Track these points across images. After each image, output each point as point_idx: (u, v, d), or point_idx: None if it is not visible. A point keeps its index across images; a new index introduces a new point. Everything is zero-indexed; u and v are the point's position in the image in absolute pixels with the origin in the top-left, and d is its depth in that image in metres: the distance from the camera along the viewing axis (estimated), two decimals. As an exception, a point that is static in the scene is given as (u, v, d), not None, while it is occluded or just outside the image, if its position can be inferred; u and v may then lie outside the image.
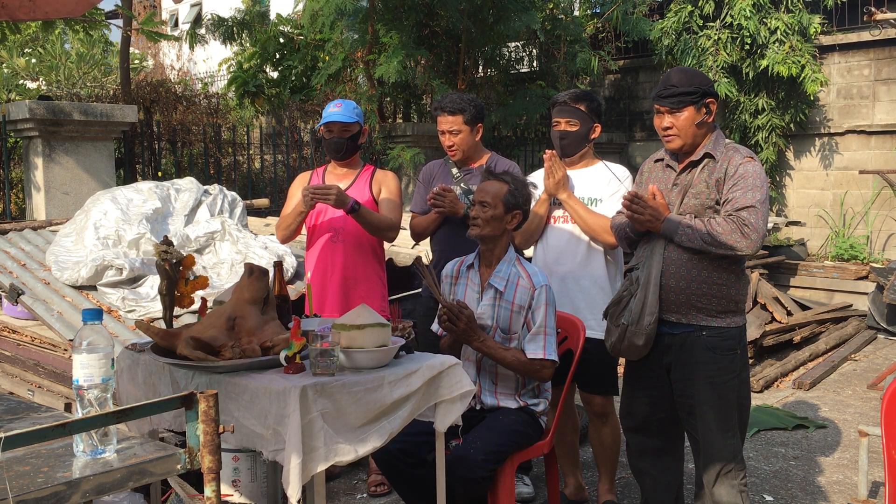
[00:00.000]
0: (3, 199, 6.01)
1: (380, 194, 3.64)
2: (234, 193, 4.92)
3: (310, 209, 3.49)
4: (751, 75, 8.57)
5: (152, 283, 3.91)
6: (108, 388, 1.66)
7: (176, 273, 2.59)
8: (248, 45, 9.34)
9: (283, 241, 3.71)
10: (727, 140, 2.89)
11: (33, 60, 11.76)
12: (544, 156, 3.42)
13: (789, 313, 6.86)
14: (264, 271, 2.46)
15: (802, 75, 8.25)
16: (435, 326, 3.14)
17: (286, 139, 8.31)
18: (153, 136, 7.32)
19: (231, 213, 4.74)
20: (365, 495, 3.77)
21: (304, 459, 2.08)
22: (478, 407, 3.02)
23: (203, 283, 2.68)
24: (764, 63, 8.34)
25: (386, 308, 3.68)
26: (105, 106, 5.76)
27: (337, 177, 3.68)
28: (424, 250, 4.63)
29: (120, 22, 8.03)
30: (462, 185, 3.65)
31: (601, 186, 3.42)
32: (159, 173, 7.26)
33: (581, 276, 3.41)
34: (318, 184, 3.59)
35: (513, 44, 8.99)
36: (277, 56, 9.26)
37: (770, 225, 8.44)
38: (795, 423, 4.80)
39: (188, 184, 4.77)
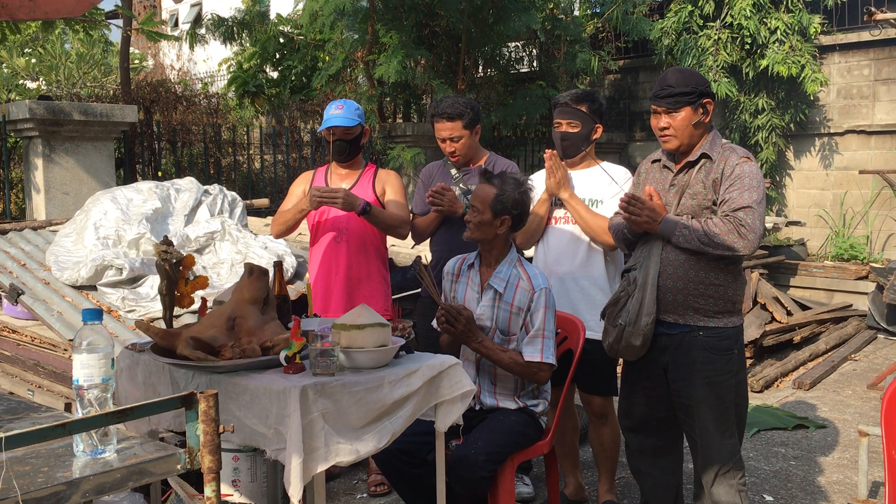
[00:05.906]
0: (3, 199, 6.02)
1: (384, 194, 3.65)
2: (234, 193, 4.92)
3: (314, 208, 3.50)
4: (751, 75, 8.57)
5: (152, 283, 3.91)
6: (108, 388, 1.66)
7: (176, 273, 2.59)
8: (248, 45, 9.36)
9: (277, 236, 3.72)
10: (724, 140, 2.89)
11: (33, 60, 11.76)
12: (545, 155, 3.42)
13: (789, 313, 6.86)
14: (264, 271, 2.46)
15: (802, 75, 8.25)
16: (435, 323, 3.15)
17: (286, 139, 8.31)
18: (153, 136, 7.32)
19: (231, 213, 4.74)
20: (365, 495, 3.78)
21: (305, 459, 2.09)
22: (477, 407, 3.01)
23: (203, 283, 2.68)
24: (764, 63, 8.34)
25: (389, 308, 3.67)
26: (105, 106, 5.76)
27: (339, 177, 3.69)
28: (423, 251, 4.64)
29: (120, 22, 8.02)
30: (461, 185, 3.65)
31: (603, 187, 3.42)
32: (159, 173, 7.26)
33: (580, 276, 3.41)
34: (324, 186, 3.59)
35: (513, 44, 9.00)
36: (277, 56, 9.27)
37: (770, 225, 8.43)
38: (795, 423, 4.80)
39: (188, 184, 4.77)
